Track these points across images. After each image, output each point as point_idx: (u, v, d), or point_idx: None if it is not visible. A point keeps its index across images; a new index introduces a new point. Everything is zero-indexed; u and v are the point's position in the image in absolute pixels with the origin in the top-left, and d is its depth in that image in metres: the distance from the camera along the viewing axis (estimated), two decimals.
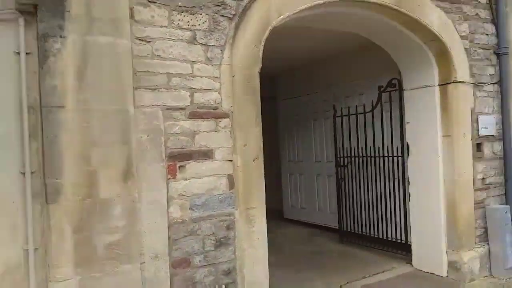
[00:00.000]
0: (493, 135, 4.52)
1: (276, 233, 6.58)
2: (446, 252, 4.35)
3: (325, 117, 6.28)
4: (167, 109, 2.64)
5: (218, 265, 2.85)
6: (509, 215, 4.34)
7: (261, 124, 3.03)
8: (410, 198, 4.70)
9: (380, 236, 5.24)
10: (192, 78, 2.72)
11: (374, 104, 5.13)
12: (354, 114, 5.43)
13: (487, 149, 4.48)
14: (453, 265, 4.29)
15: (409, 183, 4.69)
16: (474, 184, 4.37)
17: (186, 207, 2.71)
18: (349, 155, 5.60)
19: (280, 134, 7.47)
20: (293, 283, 4.40)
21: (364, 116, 5.28)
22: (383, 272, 4.62)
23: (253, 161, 2.98)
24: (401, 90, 4.76)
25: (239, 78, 2.90)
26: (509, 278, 4.25)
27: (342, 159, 5.72)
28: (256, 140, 2.99)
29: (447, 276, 4.34)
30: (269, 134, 7.88)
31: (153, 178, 2.58)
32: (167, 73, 2.64)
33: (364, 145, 5.37)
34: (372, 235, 5.34)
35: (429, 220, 4.48)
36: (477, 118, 4.39)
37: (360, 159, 5.46)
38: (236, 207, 2.92)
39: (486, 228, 4.43)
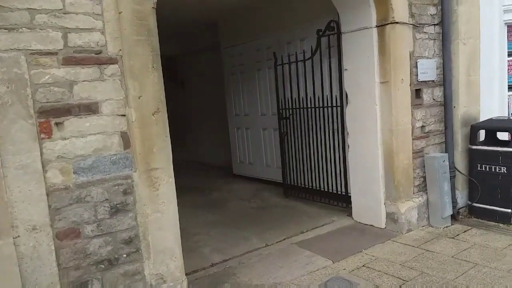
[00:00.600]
0: (433, 81, 4.28)
1: (223, 190, 6.34)
2: (384, 203, 4.21)
3: (268, 66, 5.87)
4: (32, 53, 2.17)
5: (116, 233, 2.52)
6: (447, 164, 4.20)
7: (160, 71, 2.61)
8: (349, 149, 4.48)
9: (323, 189, 5.06)
10: (63, 15, 2.24)
11: (313, 50, 4.76)
12: (294, 62, 5.06)
13: (426, 96, 4.25)
14: (391, 217, 4.16)
15: (348, 134, 4.45)
16: (412, 133, 4.17)
17: (68, 171, 2.32)
18: (291, 106, 5.28)
19: (226, 86, 7.03)
20: (229, 241, 4.19)
21: (304, 64, 4.92)
22: (323, 226, 4.46)
23: (153, 115, 2.59)
24: (339, 33, 4.39)
25: (128, 15, 2.43)
26: (446, 226, 4.17)
27: (284, 111, 5.41)
28: (155, 90, 2.58)
29: (385, 227, 4.22)
30: (216, 87, 7.46)
31: (19, 139, 2.15)
32: (28, 8, 2.15)
33: (304, 95, 5.05)
34: (315, 188, 5.15)
35: (367, 172, 4.29)
36: (417, 62, 4.11)
37: (302, 110, 5.15)
38: (134, 169, 2.55)
39: (425, 178, 4.29)
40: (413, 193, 4.23)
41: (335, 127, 4.71)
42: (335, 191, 4.89)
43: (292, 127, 5.33)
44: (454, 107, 4.38)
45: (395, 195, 4.10)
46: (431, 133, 4.34)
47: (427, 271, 3.26)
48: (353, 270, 3.36)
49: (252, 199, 5.72)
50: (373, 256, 3.61)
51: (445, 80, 4.30)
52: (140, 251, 2.61)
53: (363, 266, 3.43)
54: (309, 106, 5.03)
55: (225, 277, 3.39)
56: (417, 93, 4.18)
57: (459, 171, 4.41)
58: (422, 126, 4.26)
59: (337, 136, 4.72)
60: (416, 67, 4.10)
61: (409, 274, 3.22)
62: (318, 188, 5.11)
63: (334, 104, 4.66)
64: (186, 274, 3.48)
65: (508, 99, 5.05)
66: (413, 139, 4.18)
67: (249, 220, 4.83)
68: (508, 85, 5.00)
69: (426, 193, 4.28)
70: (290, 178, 5.51)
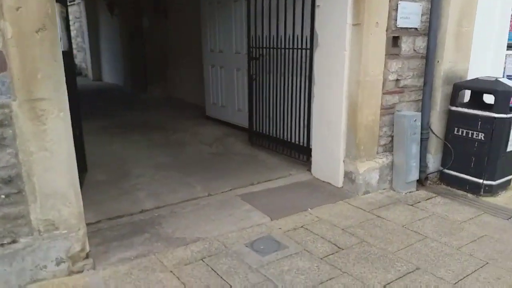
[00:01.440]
0: (416, 28, 3.71)
1: (188, 132, 5.97)
2: (344, 161, 3.83)
3: None
4: None
5: None
6: (419, 124, 3.75)
7: None
8: (313, 99, 4.02)
9: (288, 140, 4.65)
10: None
11: None
12: None
13: (406, 45, 3.70)
14: (348, 176, 3.80)
15: (314, 82, 3.97)
16: (384, 86, 3.68)
17: None
18: (261, 46, 4.74)
19: (201, 18, 6.40)
20: (171, 186, 3.87)
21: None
22: (277, 179, 4.12)
23: (36, 32, 2.11)
24: None
25: None
26: (410, 192, 3.81)
27: (254, 50, 4.87)
28: (39, 2, 2.08)
29: (342, 187, 3.87)
30: (194, 18, 6.79)
31: None
32: None
33: (276, 34, 4.49)
34: (281, 138, 4.74)
35: (330, 126, 3.87)
36: (398, 4, 3.52)
37: (272, 51, 4.61)
38: (14, 97, 2.13)
39: (393, 138, 3.86)
40: (377, 153, 3.83)
41: (303, 73, 4.21)
42: (298, 143, 4.48)
43: (261, 69, 4.82)
44: (438, 61, 3.85)
45: (355, 153, 3.70)
46: (406, 88, 3.84)
47: (368, 239, 2.94)
48: (288, 231, 3.05)
49: (215, 143, 5.34)
50: (317, 217, 3.29)
51: (431, 29, 3.72)
52: (23, 193, 2.26)
53: (302, 227, 3.12)
54: (278, 46, 4.48)
55: (148, 226, 3.10)
56: (395, 41, 3.63)
57: (433, 133, 3.98)
58: (397, 80, 3.76)
59: (304, 83, 4.23)
60: (396, 10, 3.52)
61: (347, 241, 2.91)
62: (283, 138, 4.70)
63: (304, 46, 4.11)
64: (109, 219, 3.24)
65: (506, 59, 4.49)
66: (383, 94, 3.70)
67: (202, 166, 4.49)
68: (508, 44, 4.42)
69: (392, 154, 3.88)
70: (257, 125, 5.09)
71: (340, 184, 3.88)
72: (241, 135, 5.57)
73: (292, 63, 4.31)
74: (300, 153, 4.44)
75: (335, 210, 3.41)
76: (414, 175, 3.81)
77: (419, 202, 3.61)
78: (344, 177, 3.85)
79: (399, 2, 3.52)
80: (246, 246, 2.82)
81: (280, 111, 4.65)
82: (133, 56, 9.95)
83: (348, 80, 3.62)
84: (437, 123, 3.99)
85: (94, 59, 12.72)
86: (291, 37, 4.26)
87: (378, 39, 3.50)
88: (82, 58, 13.98)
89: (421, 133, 3.81)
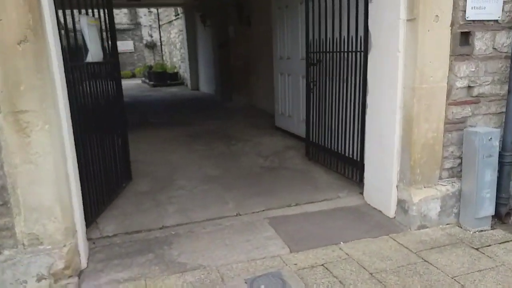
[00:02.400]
0: (496, 21, 2.89)
1: (250, 142, 5.71)
2: (397, 186, 3.16)
3: None
4: None
5: None
6: (497, 143, 2.90)
7: None
8: (367, 109, 3.42)
9: (343, 154, 4.07)
10: None
11: None
12: None
13: (481, 43, 2.91)
14: (401, 205, 3.13)
15: (368, 89, 3.38)
16: (449, 95, 2.94)
17: None
18: (318, 50, 4.26)
19: (272, 23, 6.11)
20: (204, 201, 3.64)
21: None
22: (321, 201, 3.61)
23: (18, 44, 2.05)
24: None
25: None
26: (480, 230, 2.98)
27: (312, 55, 4.41)
28: (20, 13, 2.01)
29: (394, 217, 3.21)
30: (266, 25, 6.52)
31: None
32: None
33: (331, 36, 3.98)
34: (338, 152, 4.18)
35: (382, 141, 3.25)
36: None
37: (327, 55, 4.10)
38: None
39: (460, 158, 3.08)
40: (440, 179, 3.08)
41: (357, 79, 3.63)
42: (352, 158, 3.88)
43: (318, 76, 4.33)
44: None
45: (410, 177, 3.02)
46: (483, 97, 3.03)
47: None
48: (304, 268, 2.56)
49: (272, 156, 4.98)
50: (347, 254, 2.72)
51: None
52: (9, 205, 2.22)
53: (322, 265, 2.60)
54: (333, 50, 3.96)
55: (157, 246, 2.89)
56: (464, 38, 2.88)
57: None
58: (469, 87, 2.98)
59: (358, 90, 3.64)
60: None
61: None
62: (338, 152, 4.14)
63: (358, 49, 3.54)
64: (126, 233, 3.12)
65: None
66: (449, 104, 2.96)
67: (247, 181, 4.18)
68: None
69: (461, 180, 3.09)
70: (313, 137, 4.60)
71: (391, 214, 3.22)
72: (303, 148, 5.10)
73: (347, 68, 3.76)
74: (353, 170, 3.83)
75: (373, 247, 2.80)
76: (488, 209, 2.96)
77: (488, 245, 2.78)
78: (396, 206, 3.18)
79: None
80: (245, 283, 2.42)
81: (335, 122, 4.11)
82: (221, 66, 10.13)
83: (402, 87, 2.98)
84: None
85: (192, 69, 13.33)
86: (345, 39, 3.72)
87: (439, 36, 2.80)
88: (184, 68, 14.81)
89: (503, 155, 2.96)
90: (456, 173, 3.12)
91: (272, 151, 5.19)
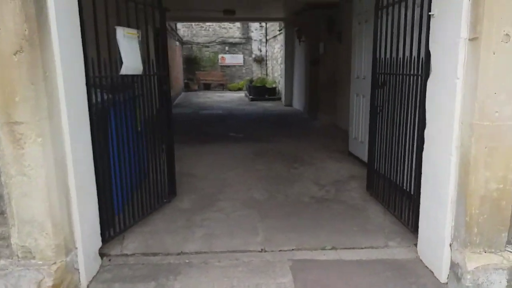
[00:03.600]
0: None
1: (314, 166, 5.33)
2: (450, 245, 2.54)
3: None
4: None
5: None
6: None
7: None
8: (425, 144, 2.84)
9: (404, 195, 3.48)
10: None
11: None
12: (397, 3, 3.41)
13: None
14: (454, 269, 2.50)
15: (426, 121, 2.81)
16: None
17: None
18: (384, 71, 3.74)
19: (352, 39, 5.64)
20: (235, 230, 3.41)
21: (406, 8, 3.24)
22: (364, 248, 3.11)
23: (14, 55, 2.07)
24: None
25: None
26: None
27: (379, 76, 3.89)
28: (16, 23, 2.02)
29: (446, 283, 2.58)
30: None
31: None
32: None
33: (396, 56, 3.44)
34: (397, 191, 3.59)
35: (435, 185, 2.67)
36: None
37: (392, 77, 3.56)
38: None
39: None
40: (508, 244, 2.38)
41: (415, 107, 3.05)
42: (411, 202, 3.27)
43: (382, 100, 3.80)
44: None
45: (465, 237, 2.39)
46: None
47: None
48: None
49: (329, 186, 4.52)
50: None
51: None
52: (5, 215, 2.27)
53: None
54: (397, 72, 3.41)
55: (164, 274, 2.74)
56: None
57: None
58: None
59: (415, 120, 3.06)
60: None
61: None
62: (398, 192, 3.54)
63: (418, 72, 2.97)
64: (143, 254, 3.03)
65: None
66: None
67: (289, 211, 3.82)
68: None
69: None
70: (376, 170, 4.04)
71: (442, 278, 2.59)
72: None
73: (409, 93, 3.19)
74: (410, 216, 3.22)
75: None
76: None
77: None
78: (450, 269, 2.55)
79: None
80: None
81: (396, 156, 3.53)
82: (311, 83, 9.82)
83: (460, 122, 2.39)
84: None
85: (287, 84, 13.20)
86: (408, 60, 3.17)
87: (510, 60, 2.16)
88: (282, 83, 14.78)
89: None
90: None
91: (333, 180, 4.72)
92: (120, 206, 3.38)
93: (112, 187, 3.27)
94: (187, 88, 20.29)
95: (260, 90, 15.86)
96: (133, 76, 3.29)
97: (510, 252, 2.36)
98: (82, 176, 2.54)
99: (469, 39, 2.27)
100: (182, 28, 21.65)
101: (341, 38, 8.04)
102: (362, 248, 3.10)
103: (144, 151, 3.68)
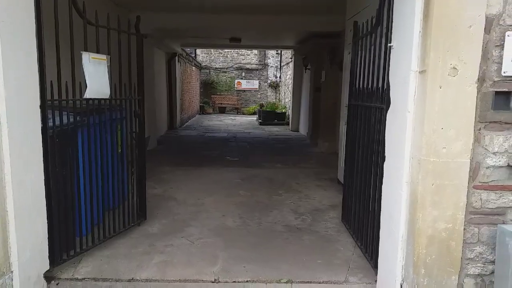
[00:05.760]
0: None
1: (299, 195, 5.21)
2: (401, 285, 2.39)
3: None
4: None
5: None
6: None
7: None
8: (383, 178, 2.73)
9: (368, 230, 3.31)
10: None
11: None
12: (369, 33, 3.34)
13: None
14: None
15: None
16: (475, 175, 2.14)
17: None
18: (356, 101, 3.66)
19: (344, 69, 5.59)
20: (194, 259, 3.29)
21: (369, 38, 3.18)
22: (323, 283, 2.96)
23: None
24: None
25: None
26: None
27: (352, 107, 3.81)
28: None
29: None
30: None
31: None
32: None
33: (365, 86, 3.37)
34: (364, 225, 3.43)
35: (390, 222, 2.54)
36: (504, 36, 2.00)
37: (360, 108, 3.48)
38: None
39: (493, 263, 2.17)
40: (461, 285, 2.22)
41: (379, 139, 2.94)
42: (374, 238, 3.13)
43: (356, 129, 3.70)
44: None
45: (413, 278, 2.25)
46: None
47: None
48: None
49: (306, 215, 4.38)
50: None
51: None
52: None
53: None
54: (364, 102, 3.34)
55: None
56: (501, 100, 2.07)
57: None
58: (509, 166, 2.12)
59: (376, 154, 2.95)
60: (502, 47, 2.01)
61: None
62: (364, 226, 3.40)
63: (380, 103, 2.89)
64: (93, 279, 2.96)
65: None
66: (474, 187, 2.15)
67: (257, 240, 3.69)
68: None
69: None
70: (349, 200, 3.91)
71: None
72: None
73: (374, 124, 3.09)
74: (372, 251, 3.07)
75: None
76: None
77: None
78: None
79: (508, 33, 2.00)
80: None
81: (364, 188, 3.40)
82: (314, 109, 9.78)
83: (410, 157, 2.28)
84: None
85: (295, 110, 13.18)
86: (375, 91, 3.09)
87: (458, 95, 2.07)
88: (291, 109, 14.77)
89: None
90: (489, 283, 2.21)
91: (312, 209, 4.60)
92: (89, 227, 3.35)
93: (75, 209, 3.24)
94: (202, 111, 20.55)
95: (270, 115, 15.89)
96: (99, 99, 3.30)
97: None
98: (25, 199, 2.51)
99: (419, 72, 2.19)
100: (201, 54, 22.15)
101: (342, 67, 8.00)
102: (320, 283, 2.95)
103: (118, 173, 3.66)
